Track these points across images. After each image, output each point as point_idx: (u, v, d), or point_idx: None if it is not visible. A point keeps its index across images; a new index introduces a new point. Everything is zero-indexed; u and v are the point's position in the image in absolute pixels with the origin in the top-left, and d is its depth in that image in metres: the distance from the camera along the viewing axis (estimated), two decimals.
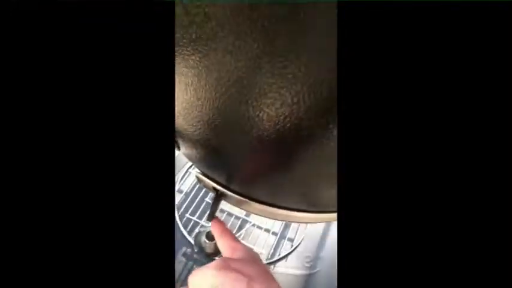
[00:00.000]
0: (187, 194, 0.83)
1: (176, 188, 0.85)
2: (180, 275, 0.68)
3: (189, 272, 0.70)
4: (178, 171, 0.88)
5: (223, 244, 0.37)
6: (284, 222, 0.76)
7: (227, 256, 0.35)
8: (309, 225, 0.73)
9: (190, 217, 0.78)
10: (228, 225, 0.75)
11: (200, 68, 0.25)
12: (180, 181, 0.87)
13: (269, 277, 0.31)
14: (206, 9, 0.20)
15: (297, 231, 0.74)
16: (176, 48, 0.21)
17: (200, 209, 0.78)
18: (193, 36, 0.22)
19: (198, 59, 0.25)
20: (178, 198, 0.82)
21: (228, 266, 0.31)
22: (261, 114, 0.25)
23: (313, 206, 0.40)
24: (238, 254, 0.34)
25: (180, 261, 0.71)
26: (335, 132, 0.25)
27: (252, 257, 0.34)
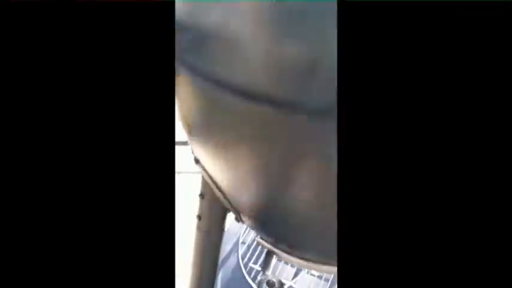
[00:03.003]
0: (249, 246, 0.97)
1: (240, 240, 1.00)
2: None
3: None
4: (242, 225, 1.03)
5: None
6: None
7: None
8: None
9: (253, 266, 0.91)
10: (285, 273, 0.86)
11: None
12: (243, 233, 1.01)
13: None
14: None
15: None
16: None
17: (261, 259, 0.91)
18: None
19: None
20: (242, 248, 0.96)
21: None
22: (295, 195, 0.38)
23: None
24: None
25: None
26: None
27: None
